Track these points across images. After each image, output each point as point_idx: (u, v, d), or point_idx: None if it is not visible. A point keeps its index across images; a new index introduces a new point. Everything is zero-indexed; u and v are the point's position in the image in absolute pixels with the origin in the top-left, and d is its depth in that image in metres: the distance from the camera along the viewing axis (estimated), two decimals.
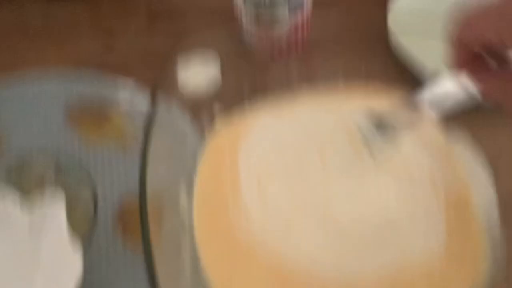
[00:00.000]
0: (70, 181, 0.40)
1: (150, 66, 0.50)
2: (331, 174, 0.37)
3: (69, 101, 0.46)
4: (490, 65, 0.30)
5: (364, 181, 0.37)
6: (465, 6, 0.28)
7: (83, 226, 0.37)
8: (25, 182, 0.39)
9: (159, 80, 0.37)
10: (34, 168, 0.41)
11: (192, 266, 0.33)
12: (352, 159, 0.38)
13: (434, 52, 0.36)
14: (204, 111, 0.41)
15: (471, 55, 0.29)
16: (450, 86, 0.32)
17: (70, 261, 0.31)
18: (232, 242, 0.34)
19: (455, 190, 0.37)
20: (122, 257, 0.37)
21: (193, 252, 0.33)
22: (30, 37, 0.53)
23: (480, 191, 0.37)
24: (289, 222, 0.35)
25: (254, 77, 0.43)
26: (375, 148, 0.36)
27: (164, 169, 0.35)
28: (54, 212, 0.33)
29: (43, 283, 0.32)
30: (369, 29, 0.45)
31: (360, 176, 0.37)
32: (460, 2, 0.31)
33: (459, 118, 0.34)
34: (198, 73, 0.41)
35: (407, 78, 0.42)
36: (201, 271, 0.32)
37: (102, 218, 0.38)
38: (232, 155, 0.38)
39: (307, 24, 0.45)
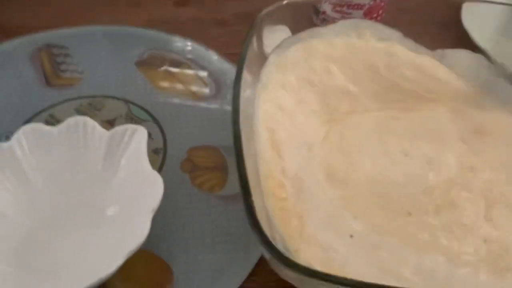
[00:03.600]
0: None
1: (219, 30, 0.51)
2: None
3: (140, 53, 0.47)
4: None
5: None
6: None
7: (153, 164, 0.37)
8: None
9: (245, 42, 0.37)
10: (106, 113, 0.41)
11: None
12: None
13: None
14: None
15: None
16: None
17: (152, 180, 0.31)
18: None
19: None
20: (189, 193, 0.37)
21: None
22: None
23: None
24: None
25: None
26: None
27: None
28: (135, 133, 0.34)
29: (123, 196, 0.33)
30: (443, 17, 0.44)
31: None
32: None
33: None
34: (272, 42, 0.41)
35: None
36: None
37: (170, 159, 0.39)
38: None
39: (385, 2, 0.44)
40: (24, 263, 0.30)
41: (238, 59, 0.33)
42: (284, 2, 0.38)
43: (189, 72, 0.45)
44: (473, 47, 0.40)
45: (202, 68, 0.46)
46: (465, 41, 0.41)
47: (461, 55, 0.39)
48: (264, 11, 0.37)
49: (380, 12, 0.45)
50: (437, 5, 0.41)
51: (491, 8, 0.40)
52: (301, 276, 0.23)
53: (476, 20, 0.42)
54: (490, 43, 0.40)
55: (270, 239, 0.24)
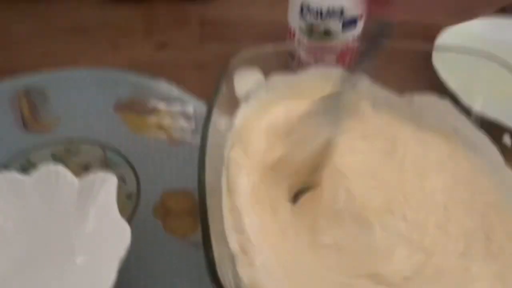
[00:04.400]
0: (115, 173, 0.40)
1: (199, 72, 0.52)
2: None
3: (118, 97, 0.47)
4: None
5: None
6: None
7: (126, 210, 0.37)
8: (71, 169, 0.40)
9: (215, 87, 0.38)
10: (82, 158, 0.42)
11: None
12: None
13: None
14: None
15: None
16: None
17: (120, 229, 0.32)
18: None
19: None
20: (162, 239, 0.37)
21: None
22: (87, 38, 0.55)
23: None
24: None
25: None
26: None
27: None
28: (105, 182, 0.34)
29: (91, 245, 0.33)
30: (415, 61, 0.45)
31: None
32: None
33: None
34: (244, 86, 0.42)
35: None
36: None
37: (143, 205, 0.39)
38: None
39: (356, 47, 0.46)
40: None
41: (208, 105, 0.34)
42: (256, 51, 0.39)
43: (168, 116, 0.46)
44: (442, 91, 0.41)
45: (180, 111, 0.46)
46: (434, 85, 0.42)
47: (429, 101, 0.40)
48: (235, 59, 0.38)
49: (353, 55, 0.46)
50: (409, 50, 0.42)
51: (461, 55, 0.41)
52: None
53: (447, 64, 0.43)
54: (460, 86, 0.41)
55: None
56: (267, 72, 0.41)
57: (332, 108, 0.34)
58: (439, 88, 0.42)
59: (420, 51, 0.42)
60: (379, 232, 0.32)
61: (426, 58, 0.42)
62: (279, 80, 0.41)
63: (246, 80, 0.40)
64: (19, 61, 0.52)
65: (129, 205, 0.38)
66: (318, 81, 0.41)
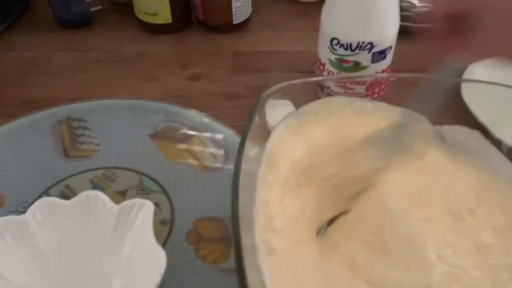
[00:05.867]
0: (151, 199, 0.41)
1: (229, 102, 0.53)
2: None
3: (154, 126, 0.49)
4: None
5: None
6: None
7: (160, 235, 0.38)
8: (108, 195, 0.41)
9: (248, 117, 0.39)
10: (118, 184, 0.43)
11: None
12: None
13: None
14: None
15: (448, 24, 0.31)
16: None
17: (156, 255, 0.33)
18: None
19: None
20: (194, 265, 0.38)
21: None
22: (124, 69, 0.58)
23: None
24: None
25: None
26: None
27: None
28: (142, 207, 0.35)
29: (128, 269, 0.34)
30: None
31: None
32: None
33: None
34: (275, 117, 0.43)
35: None
36: None
37: (177, 230, 0.40)
38: None
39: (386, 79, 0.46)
40: None
41: (241, 135, 0.35)
42: (287, 84, 0.40)
43: (200, 144, 0.47)
44: (472, 123, 0.41)
45: (213, 140, 0.48)
46: (464, 118, 0.42)
47: (458, 132, 0.40)
48: (267, 92, 0.39)
49: (382, 86, 0.47)
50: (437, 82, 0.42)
51: (491, 86, 0.42)
52: None
53: (476, 97, 0.44)
54: (490, 119, 0.41)
55: None
56: (297, 103, 0.42)
57: (389, 141, 0.35)
58: (468, 120, 0.42)
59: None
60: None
61: (455, 89, 0.43)
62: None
63: (277, 111, 0.41)
64: (60, 91, 0.55)
65: (164, 231, 0.40)
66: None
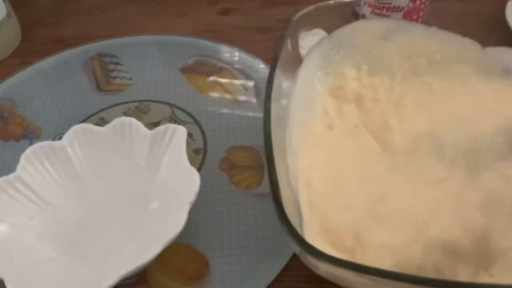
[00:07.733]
0: None
1: (261, 36, 0.52)
2: None
3: (184, 60, 0.49)
4: None
5: None
6: None
7: (194, 163, 0.38)
8: None
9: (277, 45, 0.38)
10: (151, 116, 0.43)
11: None
12: None
13: None
14: None
15: None
16: None
17: (190, 175, 0.33)
18: None
19: None
20: (227, 189, 0.38)
21: None
22: (153, 7, 0.57)
23: None
24: None
25: None
26: None
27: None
28: (175, 132, 0.36)
29: (164, 190, 0.35)
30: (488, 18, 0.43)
31: None
32: None
33: None
34: (307, 44, 0.42)
35: None
36: None
37: (210, 159, 0.40)
38: None
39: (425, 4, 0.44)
40: (70, 250, 0.32)
41: (272, 61, 0.34)
42: (320, 4, 0.39)
43: (230, 77, 0.47)
44: None
45: (243, 73, 0.47)
46: (509, 39, 0.40)
47: (503, 53, 0.38)
48: (300, 13, 0.38)
49: (421, 14, 0.45)
50: (479, 5, 0.40)
51: None
52: (331, 268, 0.24)
53: None
54: None
55: (299, 231, 0.25)
56: (330, 31, 0.41)
57: None
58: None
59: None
60: None
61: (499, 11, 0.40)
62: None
63: (309, 38, 0.40)
64: (91, 28, 0.55)
65: (197, 159, 0.40)
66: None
